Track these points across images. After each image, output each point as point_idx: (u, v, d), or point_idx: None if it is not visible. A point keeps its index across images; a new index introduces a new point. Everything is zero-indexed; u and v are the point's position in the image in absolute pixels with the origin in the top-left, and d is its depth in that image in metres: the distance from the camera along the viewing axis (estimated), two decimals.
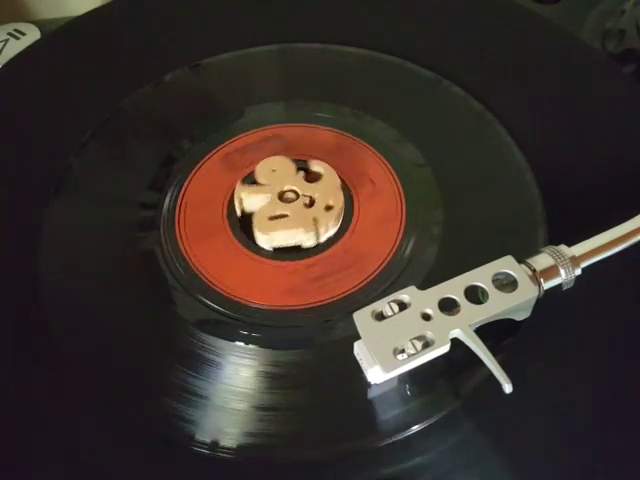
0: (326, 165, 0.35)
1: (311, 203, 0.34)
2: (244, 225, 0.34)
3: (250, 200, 0.34)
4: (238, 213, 0.35)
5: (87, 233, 0.35)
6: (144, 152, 0.38)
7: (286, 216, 0.34)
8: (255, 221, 0.34)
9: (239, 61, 0.42)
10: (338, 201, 0.34)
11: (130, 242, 0.34)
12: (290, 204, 0.34)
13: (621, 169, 0.35)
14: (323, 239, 0.34)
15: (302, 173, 0.35)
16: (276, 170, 0.35)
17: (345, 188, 0.35)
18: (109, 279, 0.33)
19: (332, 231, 0.34)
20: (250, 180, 0.35)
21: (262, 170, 0.35)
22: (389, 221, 0.34)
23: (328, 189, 0.34)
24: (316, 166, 0.35)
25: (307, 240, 0.34)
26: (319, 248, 0.34)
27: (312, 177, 0.35)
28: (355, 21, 0.44)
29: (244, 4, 0.45)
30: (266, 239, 0.34)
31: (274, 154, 0.36)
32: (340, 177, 0.35)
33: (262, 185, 0.35)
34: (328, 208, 0.34)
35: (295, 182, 0.35)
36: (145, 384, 0.30)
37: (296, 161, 0.35)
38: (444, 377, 0.29)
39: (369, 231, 0.34)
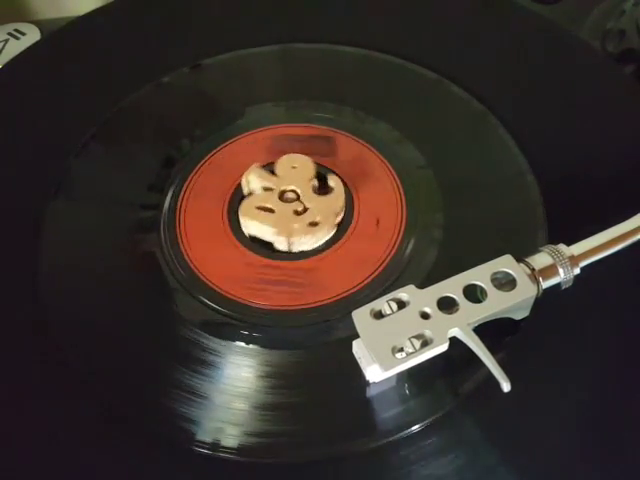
0: (341, 186, 0.35)
1: (302, 212, 0.34)
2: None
3: (255, 184, 0.35)
4: (245, 192, 0.35)
5: (87, 234, 0.35)
6: (144, 152, 0.38)
7: (272, 212, 0.34)
8: (243, 203, 0.34)
9: (239, 61, 0.42)
10: (326, 222, 0.33)
11: (130, 243, 0.34)
12: (282, 203, 0.34)
13: (621, 169, 0.35)
14: (296, 249, 0.34)
15: (316, 181, 0.35)
16: (296, 168, 0.35)
17: (349, 215, 0.34)
18: (109, 280, 0.33)
19: (306, 246, 0.33)
20: (270, 168, 0.35)
21: (284, 163, 0.35)
22: (365, 265, 0.33)
23: (326, 208, 0.34)
24: (333, 181, 0.35)
25: (278, 243, 0.33)
26: (288, 256, 0.33)
27: (323, 189, 0.35)
28: (355, 21, 0.44)
29: (244, 4, 0.45)
30: (242, 223, 0.34)
31: (311, 153, 0.36)
32: (352, 203, 0.35)
33: (274, 175, 0.35)
34: (312, 224, 0.33)
35: (303, 186, 0.34)
36: (145, 384, 0.30)
37: (322, 168, 0.35)
38: (443, 376, 0.29)
39: (339, 265, 0.33)
